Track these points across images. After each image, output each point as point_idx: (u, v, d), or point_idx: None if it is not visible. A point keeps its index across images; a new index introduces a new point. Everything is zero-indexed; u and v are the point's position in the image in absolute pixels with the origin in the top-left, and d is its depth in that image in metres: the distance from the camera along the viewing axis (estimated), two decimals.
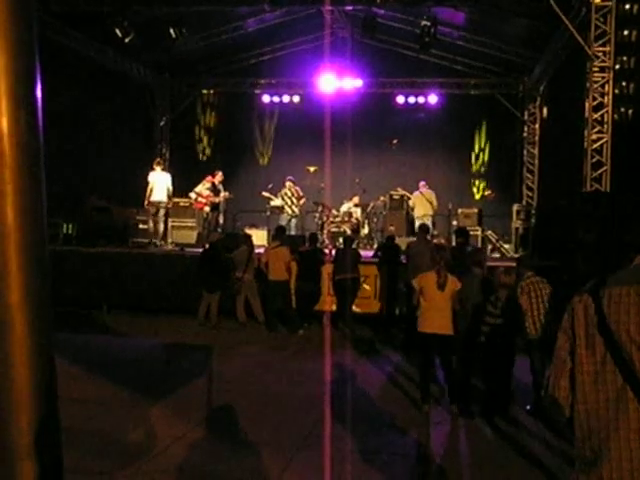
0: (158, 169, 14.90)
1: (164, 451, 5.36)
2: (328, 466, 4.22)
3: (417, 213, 15.70)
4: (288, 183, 15.86)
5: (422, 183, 15.99)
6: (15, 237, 1.57)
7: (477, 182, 19.44)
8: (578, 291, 2.16)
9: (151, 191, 14.67)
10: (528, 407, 6.70)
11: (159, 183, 14.73)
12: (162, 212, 14.99)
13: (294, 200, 15.72)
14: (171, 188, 15.01)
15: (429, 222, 15.02)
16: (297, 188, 15.94)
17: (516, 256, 15.03)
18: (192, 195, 15.52)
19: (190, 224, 15.88)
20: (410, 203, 15.96)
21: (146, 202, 14.79)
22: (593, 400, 2.08)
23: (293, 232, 15.33)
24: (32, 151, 1.63)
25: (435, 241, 12.54)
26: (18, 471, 1.61)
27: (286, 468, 4.69)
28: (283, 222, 15.20)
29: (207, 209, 15.46)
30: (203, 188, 15.44)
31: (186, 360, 8.78)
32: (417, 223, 15.10)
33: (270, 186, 16.18)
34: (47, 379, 1.65)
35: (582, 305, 2.10)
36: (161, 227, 15.12)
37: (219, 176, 15.76)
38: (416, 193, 15.85)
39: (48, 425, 1.66)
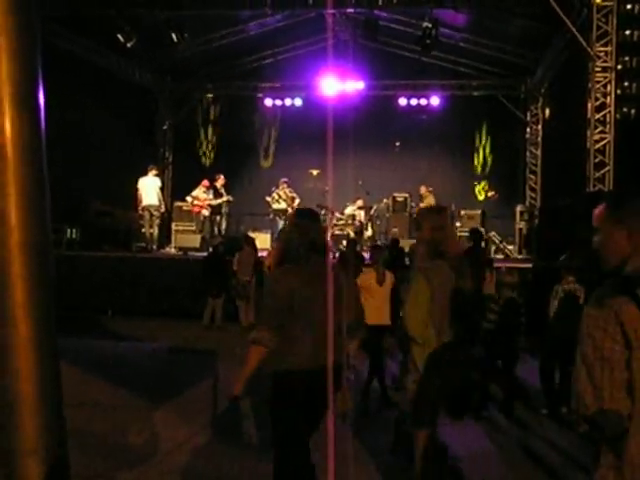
0: (150, 174, 14.93)
1: (168, 454, 5.36)
2: (333, 468, 4.21)
3: None
4: (281, 185, 15.94)
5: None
6: (18, 237, 1.56)
7: (480, 184, 19.42)
8: (607, 294, 2.05)
9: (141, 196, 14.74)
10: (544, 411, 6.66)
11: (147, 187, 14.77)
12: (156, 216, 15.00)
13: (282, 202, 15.80)
14: (160, 192, 15.05)
15: None
16: (288, 190, 16.00)
17: (519, 257, 15.08)
18: (188, 199, 15.69)
19: (194, 228, 15.94)
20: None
21: (139, 207, 14.85)
22: None
23: None
24: (35, 152, 1.63)
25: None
26: (23, 470, 1.61)
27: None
28: (280, 225, 15.30)
29: (205, 212, 15.56)
30: (200, 192, 15.57)
31: (190, 364, 8.78)
32: None
33: (273, 189, 16.25)
34: (52, 379, 1.65)
35: (627, 308, 1.99)
36: (156, 231, 15.13)
37: (221, 180, 15.88)
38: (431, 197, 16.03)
39: (53, 425, 1.66)
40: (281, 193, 15.88)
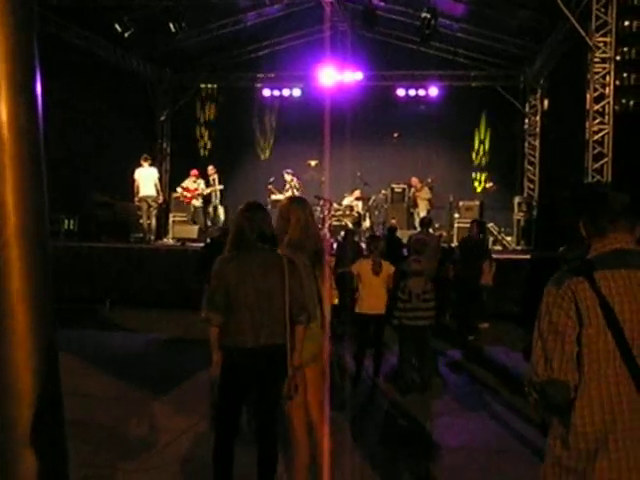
0: (145, 165, 14.90)
1: (169, 444, 5.36)
2: (330, 458, 4.24)
3: (428, 206, 15.84)
4: (288, 176, 15.93)
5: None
6: (14, 222, 1.54)
7: (478, 174, 19.40)
8: (567, 275, 2.21)
9: (138, 187, 14.72)
10: None
11: (144, 178, 14.74)
12: (153, 207, 14.98)
13: (287, 193, 15.82)
14: (158, 183, 15.02)
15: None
16: (297, 181, 16.07)
17: (517, 248, 15.09)
18: (178, 190, 15.78)
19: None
20: (428, 196, 16.07)
21: (136, 198, 14.84)
22: (612, 380, 2.12)
23: None
24: (32, 138, 1.61)
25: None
26: (20, 462, 1.59)
27: (292, 460, 4.69)
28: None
29: (196, 203, 15.65)
30: (189, 182, 15.66)
31: (189, 354, 8.78)
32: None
33: (272, 180, 16.23)
34: (50, 369, 1.63)
35: (582, 287, 2.16)
36: (153, 222, 15.11)
37: (210, 170, 15.98)
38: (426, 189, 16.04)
39: (51, 416, 1.65)
40: (296, 182, 15.96)
